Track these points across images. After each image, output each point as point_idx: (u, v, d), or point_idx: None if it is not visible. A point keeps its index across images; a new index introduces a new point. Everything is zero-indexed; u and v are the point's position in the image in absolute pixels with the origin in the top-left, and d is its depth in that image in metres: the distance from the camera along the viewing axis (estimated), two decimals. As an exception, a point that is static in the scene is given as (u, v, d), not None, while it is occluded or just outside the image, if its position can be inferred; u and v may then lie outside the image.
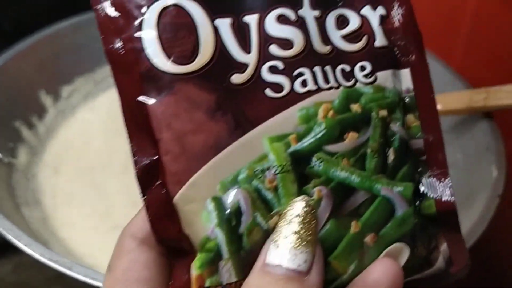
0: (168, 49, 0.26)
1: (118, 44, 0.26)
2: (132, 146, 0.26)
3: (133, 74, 0.26)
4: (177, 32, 0.26)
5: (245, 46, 0.26)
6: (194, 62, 0.26)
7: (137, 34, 0.26)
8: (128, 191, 0.53)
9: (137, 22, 0.26)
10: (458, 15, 0.64)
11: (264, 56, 0.27)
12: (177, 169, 0.26)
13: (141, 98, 0.26)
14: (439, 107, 0.51)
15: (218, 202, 0.26)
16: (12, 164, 0.52)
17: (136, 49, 0.26)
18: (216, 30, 0.26)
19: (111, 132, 0.59)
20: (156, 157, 0.26)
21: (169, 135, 0.26)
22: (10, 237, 0.42)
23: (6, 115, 0.54)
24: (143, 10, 0.26)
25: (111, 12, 0.26)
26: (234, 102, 0.26)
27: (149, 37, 0.26)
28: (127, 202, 0.52)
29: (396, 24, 0.29)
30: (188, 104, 0.26)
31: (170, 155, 0.26)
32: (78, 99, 0.61)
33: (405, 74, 0.29)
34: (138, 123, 0.26)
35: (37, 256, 0.41)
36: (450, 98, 0.53)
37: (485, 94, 0.51)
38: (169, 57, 0.26)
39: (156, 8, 0.26)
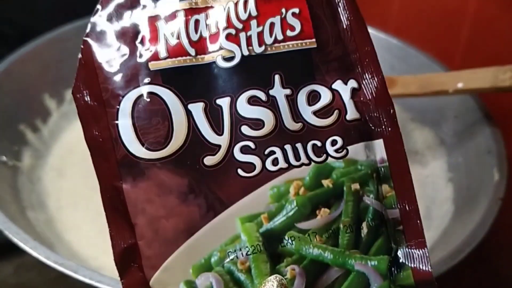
0: (142, 135, 0.27)
1: (96, 132, 0.27)
2: (110, 230, 0.27)
3: (110, 160, 0.27)
4: (151, 119, 0.27)
5: (218, 128, 0.27)
6: (167, 148, 0.27)
7: (113, 123, 0.27)
8: (132, 194, 0.53)
9: (113, 111, 0.27)
10: (458, 18, 0.64)
11: (236, 137, 0.27)
12: (151, 253, 0.27)
13: (117, 184, 0.27)
14: (460, 85, 0.50)
15: (191, 286, 0.26)
16: (16, 167, 0.53)
17: (112, 137, 0.27)
18: (189, 114, 0.27)
19: (114, 135, 0.59)
20: (133, 241, 0.27)
21: (143, 220, 0.27)
22: (15, 240, 0.42)
23: (11, 118, 0.55)
24: (119, 99, 0.27)
25: (90, 101, 0.27)
26: (206, 184, 0.27)
27: (124, 125, 0.27)
28: (131, 205, 0.52)
29: (369, 96, 0.29)
30: (160, 189, 0.27)
31: (145, 240, 0.27)
32: (82, 103, 0.62)
33: (379, 145, 0.29)
34: (115, 207, 0.27)
35: (42, 259, 0.41)
36: (474, 76, 0.50)
37: (510, 72, 0.48)
38: (143, 144, 0.27)
39: (131, 97, 0.27)
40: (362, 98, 0.29)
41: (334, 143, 0.28)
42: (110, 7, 0.28)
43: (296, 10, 0.28)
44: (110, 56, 0.27)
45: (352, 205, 0.28)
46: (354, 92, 0.29)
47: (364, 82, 0.29)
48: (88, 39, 0.27)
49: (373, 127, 0.29)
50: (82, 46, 0.27)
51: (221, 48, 0.27)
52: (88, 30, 0.27)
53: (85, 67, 0.27)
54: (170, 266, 0.27)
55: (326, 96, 0.28)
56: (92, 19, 0.28)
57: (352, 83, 0.29)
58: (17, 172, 0.52)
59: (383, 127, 0.28)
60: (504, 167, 0.49)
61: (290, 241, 0.27)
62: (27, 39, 0.59)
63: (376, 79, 0.29)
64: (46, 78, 0.59)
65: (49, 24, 0.61)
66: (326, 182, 0.28)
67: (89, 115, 0.27)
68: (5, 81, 0.55)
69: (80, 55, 0.27)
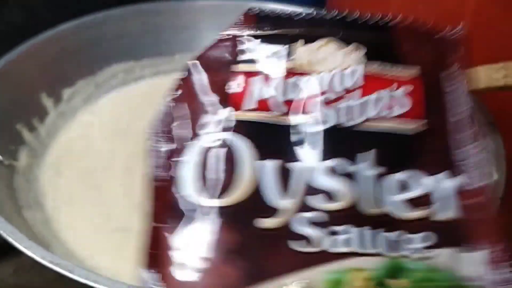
0: (204, 179, 0.25)
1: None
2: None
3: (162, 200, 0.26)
4: (218, 164, 0.25)
5: (284, 191, 0.24)
6: (226, 198, 0.24)
7: (177, 160, 0.26)
8: (129, 193, 0.53)
9: (182, 147, 0.26)
10: (457, 18, 0.64)
11: (301, 205, 0.24)
12: None
13: (161, 225, 0.27)
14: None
15: None
16: (13, 166, 0.53)
17: (170, 175, 0.26)
18: (259, 170, 0.24)
19: (112, 134, 0.59)
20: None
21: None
22: (11, 240, 0.42)
23: (7, 117, 0.55)
24: (193, 137, 0.25)
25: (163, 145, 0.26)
26: (254, 248, 0.24)
27: (187, 165, 0.25)
28: (129, 204, 0.52)
29: (480, 199, 0.25)
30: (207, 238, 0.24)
31: None
32: (79, 102, 0.62)
33: (472, 258, 0.24)
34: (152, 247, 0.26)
35: (38, 258, 0.41)
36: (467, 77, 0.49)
37: (504, 71, 0.45)
38: (202, 187, 0.24)
39: (205, 139, 0.25)
40: (469, 200, 0.25)
41: (417, 240, 0.24)
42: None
43: (410, 88, 0.26)
44: (203, 97, 0.26)
45: None
46: (460, 189, 0.25)
47: (478, 183, 0.25)
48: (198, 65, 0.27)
49: (471, 235, 0.24)
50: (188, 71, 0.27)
51: (314, 112, 0.25)
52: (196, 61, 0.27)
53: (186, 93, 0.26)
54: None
55: (421, 186, 0.25)
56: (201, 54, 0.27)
57: (460, 180, 0.26)
58: (13, 171, 0.52)
59: (490, 238, 0.24)
60: (503, 166, 0.49)
61: None
62: (25, 38, 0.59)
63: (484, 182, 0.26)
64: (43, 77, 0.59)
65: (47, 23, 0.61)
66: (395, 283, 0.24)
67: (158, 155, 0.26)
68: (2, 80, 0.55)
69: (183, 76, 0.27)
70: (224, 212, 0.24)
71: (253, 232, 0.23)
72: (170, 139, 0.26)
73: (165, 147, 0.25)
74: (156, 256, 0.26)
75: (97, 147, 0.58)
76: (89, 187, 0.54)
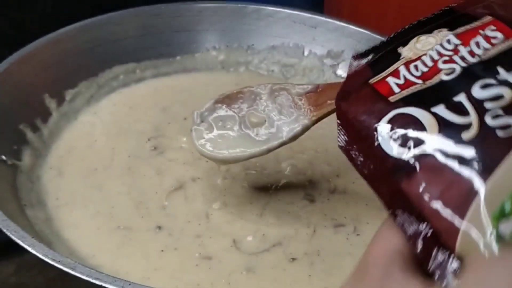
0: (401, 141, 0.30)
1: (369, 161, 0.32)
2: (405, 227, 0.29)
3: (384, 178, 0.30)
4: (405, 127, 0.30)
5: (462, 113, 0.29)
6: (426, 143, 0.29)
7: (377, 144, 0.31)
8: (130, 192, 0.54)
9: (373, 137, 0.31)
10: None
11: (481, 111, 0.29)
12: (446, 226, 0.27)
13: (397, 187, 0.29)
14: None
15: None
16: (16, 166, 0.53)
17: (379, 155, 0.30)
18: (435, 115, 0.30)
19: (113, 134, 0.60)
20: (427, 226, 0.28)
21: (428, 204, 0.28)
22: (14, 238, 0.43)
23: (11, 118, 0.55)
24: (375, 127, 0.31)
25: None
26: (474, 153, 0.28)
27: (385, 140, 0.30)
28: (130, 203, 0.53)
29: None
30: (434, 172, 0.28)
31: (435, 217, 0.27)
32: (82, 103, 0.62)
33: None
34: (403, 208, 0.29)
35: (40, 256, 0.41)
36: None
37: None
38: (403, 147, 0.29)
39: (385, 121, 0.31)
40: None
41: None
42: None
43: (493, 27, 0.32)
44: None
45: None
46: None
47: None
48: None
49: None
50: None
51: (441, 70, 0.31)
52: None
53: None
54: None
55: None
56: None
57: None
58: (16, 170, 0.53)
59: None
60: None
61: None
62: (28, 40, 0.60)
63: None
64: (46, 79, 0.59)
65: (49, 25, 0.62)
66: None
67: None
68: (6, 81, 0.56)
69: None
70: (431, 153, 0.29)
71: (462, 145, 0.29)
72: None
73: None
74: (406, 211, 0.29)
75: (98, 147, 0.58)
76: (90, 186, 0.54)
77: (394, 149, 0.30)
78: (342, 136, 0.33)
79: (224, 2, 0.68)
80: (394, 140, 0.30)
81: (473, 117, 0.29)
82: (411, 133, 0.30)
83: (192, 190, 0.53)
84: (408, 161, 0.29)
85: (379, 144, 0.30)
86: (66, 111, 0.61)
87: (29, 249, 0.42)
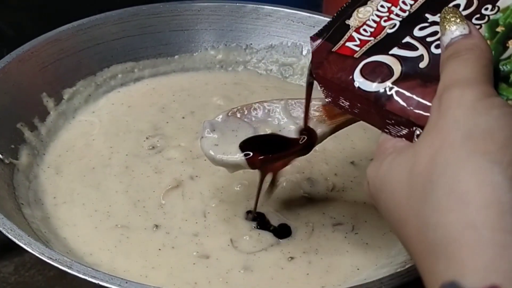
0: (376, 78, 0.38)
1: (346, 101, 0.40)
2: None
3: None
4: (375, 69, 0.38)
5: (414, 48, 0.38)
6: (393, 76, 0.37)
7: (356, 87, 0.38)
8: (128, 191, 0.54)
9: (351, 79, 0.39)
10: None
11: (426, 45, 0.37)
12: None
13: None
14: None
15: None
16: (13, 164, 0.53)
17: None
18: (394, 56, 0.38)
19: (111, 133, 0.60)
20: (414, 126, 0.35)
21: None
22: (10, 237, 0.43)
23: (8, 117, 0.55)
24: (351, 73, 0.39)
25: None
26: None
27: (361, 81, 0.38)
28: (128, 202, 0.53)
29: None
30: (408, 90, 0.36)
31: (420, 117, 0.35)
32: (80, 102, 0.62)
33: None
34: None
35: (37, 254, 0.41)
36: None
37: None
38: (380, 81, 0.37)
39: (359, 67, 0.39)
40: None
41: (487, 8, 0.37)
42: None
43: None
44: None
45: None
46: None
47: None
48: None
49: None
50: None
51: (385, 27, 0.40)
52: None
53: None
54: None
55: None
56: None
57: None
58: (14, 169, 0.53)
59: None
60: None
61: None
62: (26, 39, 0.60)
63: None
64: (44, 77, 0.59)
65: (47, 24, 0.62)
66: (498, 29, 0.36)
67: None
68: (3, 80, 0.56)
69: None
70: (399, 80, 0.37)
71: (422, 72, 0.37)
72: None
73: None
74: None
75: (96, 146, 0.58)
76: (88, 185, 0.54)
77: (372, 86, 0.37)
78: (328, 94, 0.40)
79: (223, 1, 0.68)
80: (370, 80, 0.38)
81: (422, 50, 0.37)
82: (381, 71, 0.37)
83: (190, 189, 0.53)
84: (385, 90, 0.37)
85: (359, 87, 0.38)
86: (64, 110, 0.61)
87: (25, 247, 0.42)
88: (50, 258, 0.41)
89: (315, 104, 0.47)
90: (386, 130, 0.37)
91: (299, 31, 0.68)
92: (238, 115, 0.48)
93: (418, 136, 0.35)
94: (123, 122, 0.61)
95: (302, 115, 0.47)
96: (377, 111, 0.37)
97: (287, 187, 0.54)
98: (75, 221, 0.51)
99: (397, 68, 0.37)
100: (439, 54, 0.35)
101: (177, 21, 0.67)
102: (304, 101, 0.46)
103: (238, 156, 0.45)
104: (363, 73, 0.38)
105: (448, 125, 0.30)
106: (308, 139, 0.46)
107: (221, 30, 0.68)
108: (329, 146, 0.57)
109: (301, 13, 0.68)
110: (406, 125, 0.35)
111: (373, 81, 0.37)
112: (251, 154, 0.45)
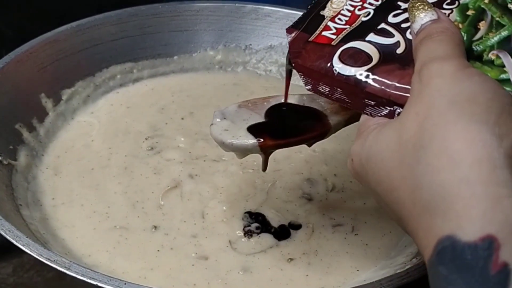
0: (355, 64, 0.39)
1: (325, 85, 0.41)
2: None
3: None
4: (355, 55, 0.39)
5: (390, 35, 0.39)
6: (372, 62, 0.38)
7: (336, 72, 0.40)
8: (127, 192, 0.54)
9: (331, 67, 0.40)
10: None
11: (401, 31, 0.39)
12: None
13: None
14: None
15: None
16: (12, 165, 0.53)
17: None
18: (370, 43, 0.39)
19: (110, 134, 0.60)
20: (395, 105, 0.36)
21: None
22: (8, 237, 0.43)
23: (7, 117, 0.55)
24: (331, 60, 0.40)
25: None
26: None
27: (340, 67, 0.40)
28: (126, 203, 0.52)
29: None
30: (387, 73, 0.38)
31: (399, 97, 0.36)
32: (78, 102, 0.62)
33: None
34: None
35: (35, 255, 0.41)
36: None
37: None
38: (359, 66, 0.39)
39: (337, 54, 0.40)
40: None
41: None
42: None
43: None
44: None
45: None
46: None
47: None
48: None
49: None
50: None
51: (359, 16, 0.41)
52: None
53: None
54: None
55: None
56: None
57: None
58: (12, 170, 0.53)
59: None
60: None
61: None
62: (26, 39, 0.60)
63: None
64: (42, 78, 0.59)
65: (46, 24, 0.62)
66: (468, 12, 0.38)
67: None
68: (2, 80, 0.56)
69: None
70: (377, 66, 0.38)
71: (400, 57, 0.38)
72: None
73: None
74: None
75: (95, 147, 0.58)
76: (87, 186, 0.54)
77: (352, 70, 0.39)
78: (308, 81, 0.41)
79: (222, 1, 0.68)
80: (349, 64, 0.39)
81: (398, 36, 0.39)
82: (359, 57, 0.39)
83: (188, 190, 0.53)
84: (365, 73, 0.38)
85: (339, 73, 0.39)
86: (62, 111, 0.60)
87: (23, 248, 0.42)
88: (49, 259, 0.41)
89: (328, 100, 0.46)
90: (366, 112, 0.38)
91: (298, 32, 0.68)
92: (250, 106, 0.47)
93: (399, 114, 0.36)
94: (122, 123, 0.61)
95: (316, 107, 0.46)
96: (358, 94, 0.38)
97: (286, 187, 0.54)
98: (74, 222, 0.51)
99: (375, 55, 0.38)
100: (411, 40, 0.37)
101: (176, 21, 0.67)
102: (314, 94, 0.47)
103: (249, 140, 0.44)
104: (341, 59, 0.39)
105: (432, 94, 0.31)
106: (322, 126, 0.45)
107: (220, 30, 0.68)
108: (328, 147, 0.57)
109: (300, 14, 0.67)
110: (387, 104, 0.37)
111: (352, 66, 0.39)
112: (262, 139, 0.44)
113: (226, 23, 0.68)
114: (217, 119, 0.46)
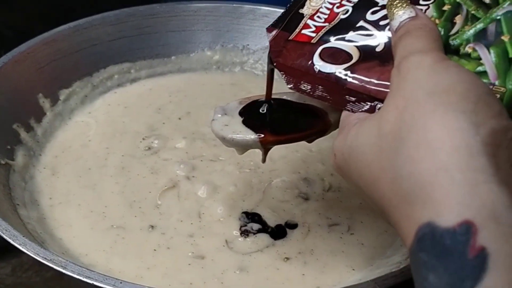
0: (335, 62, 0.40)
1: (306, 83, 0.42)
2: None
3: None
4: (335, 55, 0.40)
5: (369, 34, 0.39)
6: (352, 61, 0.39)
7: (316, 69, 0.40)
8: (124, 192, 0.54)
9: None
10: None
11: (380, 28, 0.39)
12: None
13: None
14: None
15: None
16: (9, 165, 0.53)
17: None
18: (350, 41, 0.40)
19: (107, 134, 0.60)
20: (375, 101, 0.37)
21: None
22: (5, 237, 0.43)
23: (4, 118, 0.55)
24: (311, 57, 0.41)
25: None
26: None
27: (320, 64, 0.40)
28: (123, 203, 0.53)
29: None
30: (367, 70, 0.38)
31: (380, 93, 0.37)
32: (76, 103, 0.62)
33: None
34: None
35: (32, 255, 0.41)
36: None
37: None
38: (339, 64, 0.39)
39: (317, 53, 0.41)
40: None
41: None
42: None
43: None
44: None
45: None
46: None
47: None
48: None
49: None
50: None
51: (338, 13, 0.42)
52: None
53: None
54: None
55: None
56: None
57: None
58: (9, 170, 0.53)
59: None
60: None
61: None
62: (24, 39, 0.60)
63: None
64: (40, 78, 0.59)
65: (44, 25, 0.62)
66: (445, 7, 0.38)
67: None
68: (-1, 81, 0.56)
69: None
70: (356, 64, 0.39)
71: (379, 54, 0.39)
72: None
73: None
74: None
75: (92, 147, 0.58)
76: (84, 186, 0.54)
77: (332, 68, 0.39)
78: (289, 80, 0.42)
79: (219, 2, 0.68)
80: (329, 62, 0.39)
81: (376, 34, 0.39)
82: (339, 56, 0.39)
83: (185, 190, 0.53)
84: (345, 71, 0.38)
85: (319, 70, 0.40)
86: (60, 111, 0.61)
87: (20, 247, 0.42)
88: (45, 259, 0.41)
89: None
90: (348, 108, 0.38)
91: (296, 32, 0.68)
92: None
93: (379, 108, 0.36)
94: (119, 123, 0.61)
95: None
96: (339, 91, 0.39)
97: (283, 187, 0.54)
98: (71, 221, 0.51)
99: (355, 53, 0.39)
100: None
101: (174, 22, 0.67)
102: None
103: (250, 136, 0.44)
104: (322, 57, 0.40)
105: (410, 86, 0.32)
106: (321, 124, 0.45)
107: (218, 31, 0.68)
108: (325, 146, 0.57)
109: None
110: (368, 100, 0.37)
111: (333, 64, 0.39)
112: (263, 135, 0.44)
113: (224, 23, 0.69)
114: (218, 115, 0.46)
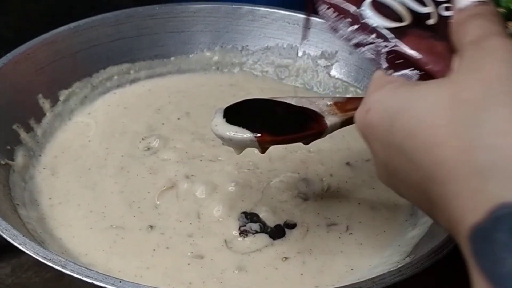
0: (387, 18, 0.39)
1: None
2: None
3: None
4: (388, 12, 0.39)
5: (424, 4, 0.39)
6: (404, 22, 0.38)
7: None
8: (123, 192, 0.54)
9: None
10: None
11: (436, 3, 0.38)
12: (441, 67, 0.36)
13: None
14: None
15: None
16: (9, 165, 0.53)
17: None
18: (403, 4, 0.39)
19: (107, 135, 0.60)
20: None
21: None
22: (5, 236, 0.43)
23: (4, 118, 0.55)
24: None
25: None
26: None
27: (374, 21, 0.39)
28: (123, 203, 0.53)
29: None
30: (418, 38, 0.38)
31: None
32: (75, 103, 0.62)
33: None
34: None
35: (32, 254, 0.41)
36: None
37: None
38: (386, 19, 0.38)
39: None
40: None
41: None
42: None
43: None
44: None
45: None
46: None
47: None
48: None
49: None
50: None
51: None
52: None
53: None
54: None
55: None
56: None
57: None
58: (9, 170, 0.53)
59: None
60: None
61: None
62: (24, 40, 0.60)
63: None
64: (40, 79, 0.60)
65: (43, 25, 0.62)
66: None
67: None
68: (-1, 81, 0.56)
69: None
70: (410, 26, 0.38)
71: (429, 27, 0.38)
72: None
73: None
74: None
75: (92, 147, 0.58)
76: (84, 186, 0.54)
77: (382, 22, 0.38)
78: (330, 13, 0.41)
79: (219, 3, 0.69)
80: (382, 15, 0.38)
81: (431, 8, 0.38)
82: (390, 13, 0.38)
83: (184, 190, 0.54)
84: (393, 30, 0.38)
85: (366, 21, 0.39)
86: (60, 111, 0.61)
87: (20, 247, 0.42)
88: (45, 258, 0.41)
89: (326, 101, 0.47)
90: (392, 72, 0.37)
91: (294, 33, 0.68)
92: None
93: (419, 77, 0.36)
94: (119, 123, 0.61)
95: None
96: (381, 48, 0.38)
97: (282, 187, 0.54)
98: (71, 221, 0.51)
99: (407, 17, 0.38)
100: (447, 17, 0.37)
101: (173, 22, 0.67)
102: (312, 98, 0.47)
103: (248, 135, 0.45)
104: (374, 6, 0.39)
105: (498, 64, 0.31)
106: (317, 126, 0.46)
107: (217, 31, 0.69)
108: (324, 147, 0.58)
109: (296, 15, 0.68)
110: (410, 66, 0.37)
111: (385, 18, 0.38)
112: (260, 134, 0.45)
113: (223, 24, 0.69)
114: (218, 115, 0.47)
